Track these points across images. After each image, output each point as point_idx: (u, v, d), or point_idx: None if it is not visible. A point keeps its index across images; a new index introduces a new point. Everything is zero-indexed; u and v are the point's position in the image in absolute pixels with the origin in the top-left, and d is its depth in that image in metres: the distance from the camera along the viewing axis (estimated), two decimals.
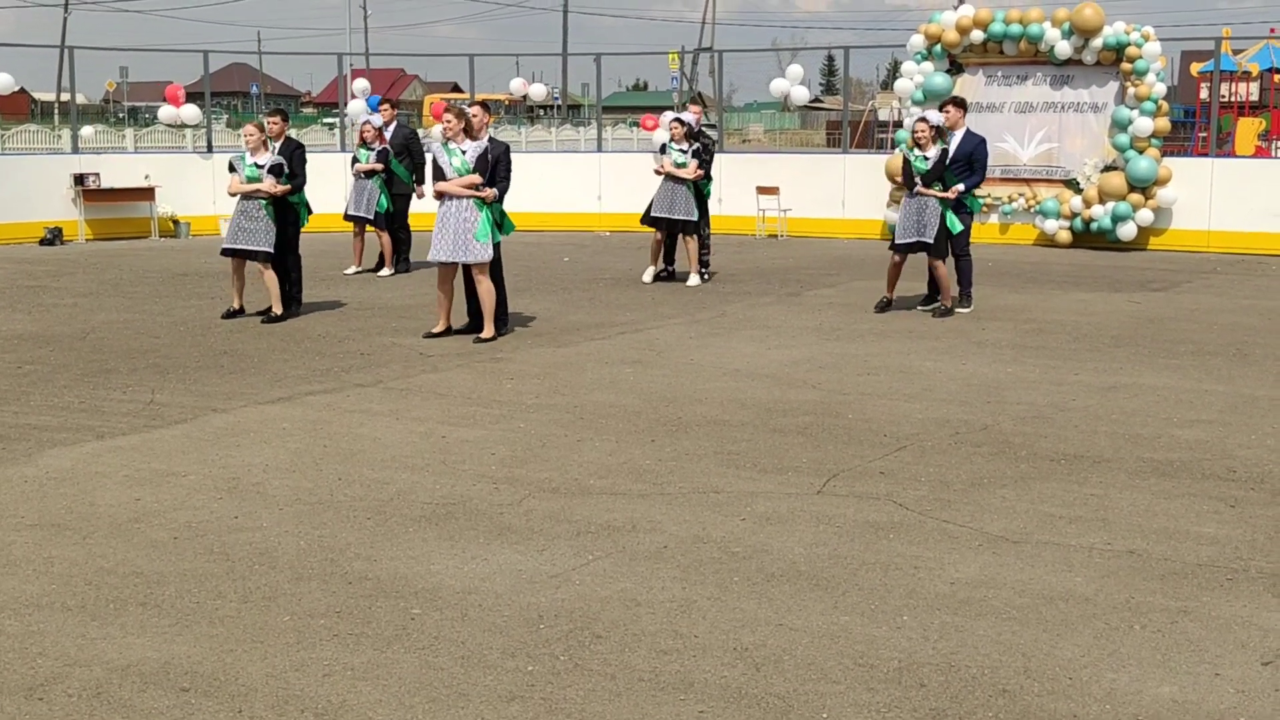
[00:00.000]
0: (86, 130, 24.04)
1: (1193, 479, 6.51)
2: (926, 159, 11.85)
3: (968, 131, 12.17)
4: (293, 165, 11.72)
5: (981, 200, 17.23)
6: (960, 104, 12.28)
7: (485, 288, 10.54)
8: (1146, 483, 6.44)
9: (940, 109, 12.21)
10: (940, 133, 11.94)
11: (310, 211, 12.09)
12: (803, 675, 4.22)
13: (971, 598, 4.89)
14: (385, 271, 15.25)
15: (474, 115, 10.62)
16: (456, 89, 67.25)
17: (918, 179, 11.85)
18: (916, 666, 4.29)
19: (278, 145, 11.84)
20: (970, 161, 11.95)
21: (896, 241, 12.11)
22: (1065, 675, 4.22)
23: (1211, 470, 6.66)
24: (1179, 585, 5.02)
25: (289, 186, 11.65)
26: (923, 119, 12.03)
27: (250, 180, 11.59)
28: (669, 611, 4.76)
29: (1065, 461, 6.83)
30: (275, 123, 12.05)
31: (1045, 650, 4.41)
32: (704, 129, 14.68)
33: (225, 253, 11.82)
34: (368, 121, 15.85)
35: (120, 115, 59.91)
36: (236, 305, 11.82)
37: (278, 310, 11.61)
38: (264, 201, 11.57)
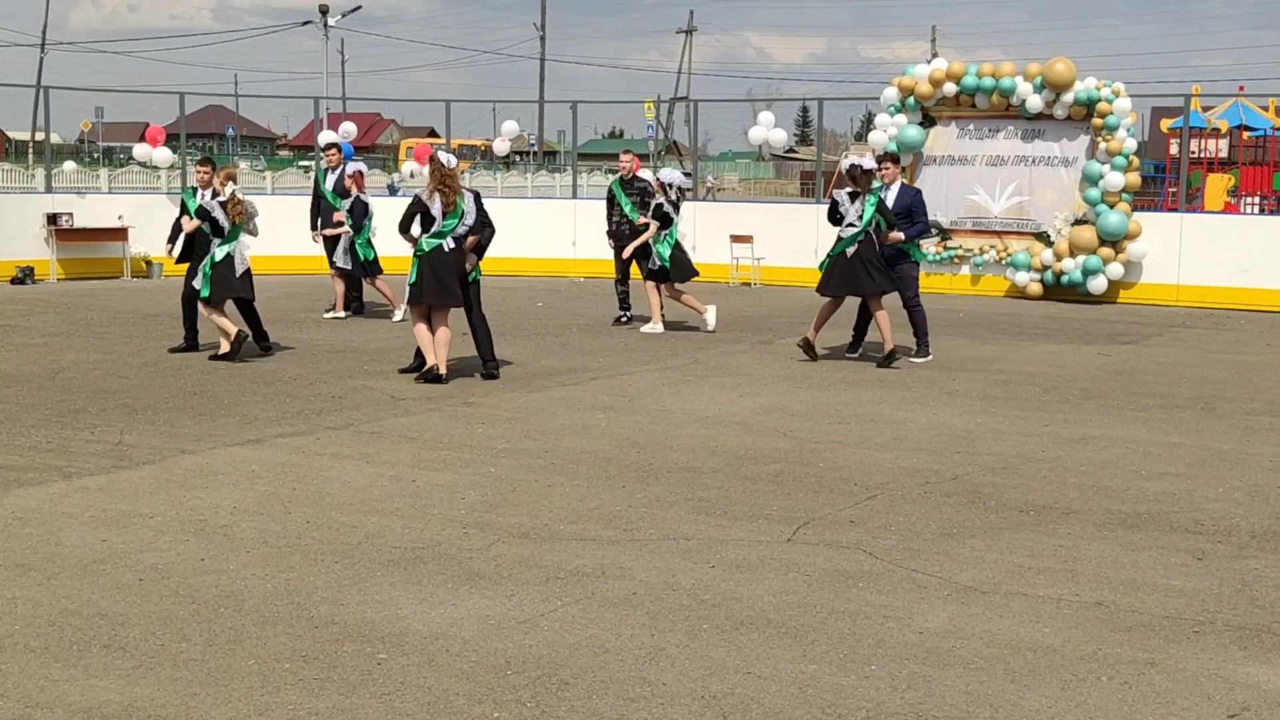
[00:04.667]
0: (69, 165, 23.93)
1: (1160, 531, 6.54)
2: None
3: (903, 185, 12.51)
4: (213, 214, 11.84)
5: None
6: (894, 159, 12.62)
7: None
8: (1114, 534, 6.46)
9: (879, 164, 12.42)
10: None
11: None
12: None
13: (940, 647, 4.89)
14: (335, 314, 15.14)
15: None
16: (433, 134, 67.46)
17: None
18: (884, 716, 4.28)
19: (206, 194, 11.86)
20: (910, 213, 12.16)
21: None
22: None
23: (1179, 523, 6.70)
24: (1146, 637, 5.04)
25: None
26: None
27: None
28: (637, 659, 4.74)
29: (1034, 512, 6.86)
30: (204, 172, 12.07)
31: (1013, 701, 4.41)
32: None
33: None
34: (333, 145, 15.81)
35: (95, 155, 59.79)
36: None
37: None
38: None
